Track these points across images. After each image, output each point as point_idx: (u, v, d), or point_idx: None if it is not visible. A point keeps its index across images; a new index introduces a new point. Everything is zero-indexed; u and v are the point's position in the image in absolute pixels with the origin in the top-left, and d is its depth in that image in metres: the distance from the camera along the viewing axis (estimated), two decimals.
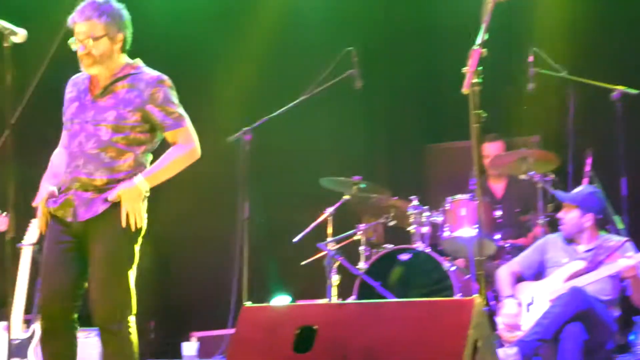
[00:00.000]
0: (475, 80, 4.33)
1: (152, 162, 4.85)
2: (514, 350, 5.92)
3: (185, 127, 4.75)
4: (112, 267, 4.76)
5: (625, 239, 6.40)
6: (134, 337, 4.84)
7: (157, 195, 8.99)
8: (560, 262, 6.37)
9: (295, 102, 7.60)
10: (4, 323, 7.28)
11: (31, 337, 6.73)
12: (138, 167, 4.79)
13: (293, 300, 7.85)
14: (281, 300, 7.93)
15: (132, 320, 4.84)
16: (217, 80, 9.25)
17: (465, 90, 4.32)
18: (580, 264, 6.24)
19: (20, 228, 5.11)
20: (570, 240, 6.44)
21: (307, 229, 7.55)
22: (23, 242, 6.49)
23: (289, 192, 8.60)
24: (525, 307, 6.30)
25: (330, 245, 7.42)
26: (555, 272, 6.31)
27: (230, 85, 9.20)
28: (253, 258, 7.63)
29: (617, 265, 6.06)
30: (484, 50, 4.36)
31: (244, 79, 9.15)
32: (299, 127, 8.27)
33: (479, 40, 4.39)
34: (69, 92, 4.82)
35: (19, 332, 6.95)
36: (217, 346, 7.55)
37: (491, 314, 6.32)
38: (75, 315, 4.84)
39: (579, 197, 6.41)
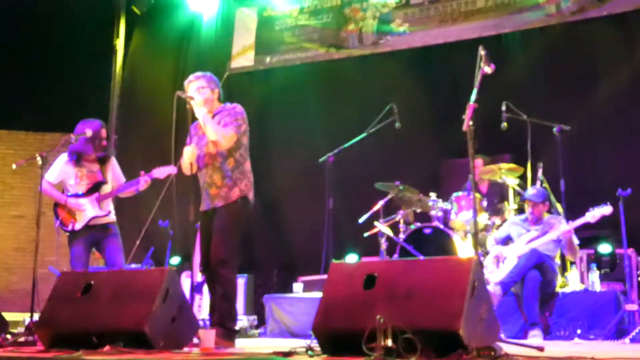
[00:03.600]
0: (470, 123, 4.33)
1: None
2: (497, 287, 5.90)
3: None
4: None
5: (561, 217, 6.37)
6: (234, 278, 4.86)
7: (278, 199, 9.09)
8: (522, 233, 6.34)
9: (360, 137, 7.76)
10: (188, 272, 7.42)
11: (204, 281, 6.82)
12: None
13: (359, 258, 7.88)
14: (352, 257, 7.97)
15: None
16: (311, 122, 9.33)
17: (464, 129, 4.33)
18: (535, 233, 6.21)
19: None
20: (524, 219, 6.38)
21: (368, 214, 7.66)
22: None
23: (356, 192, 8.58)
24: (501, 261, 6.27)
25: (382, 224, 7.53)
26: (519, 239, 6.31)
27: (320, 124, 9.23)
28: (335, 232, 7.73)
29: (558, 232, 6.03)
30: (476, 104, 4.36)
31: (331, 121, 9.16)
32: (363, 152, 8.20)
33: (473, 98, 4.39)
34: None
35: (197, 277, 7.05)
36: (314, 285, 7.69)
37: (482, 265, 6.29)
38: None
39: (539, 194, 6.34)
